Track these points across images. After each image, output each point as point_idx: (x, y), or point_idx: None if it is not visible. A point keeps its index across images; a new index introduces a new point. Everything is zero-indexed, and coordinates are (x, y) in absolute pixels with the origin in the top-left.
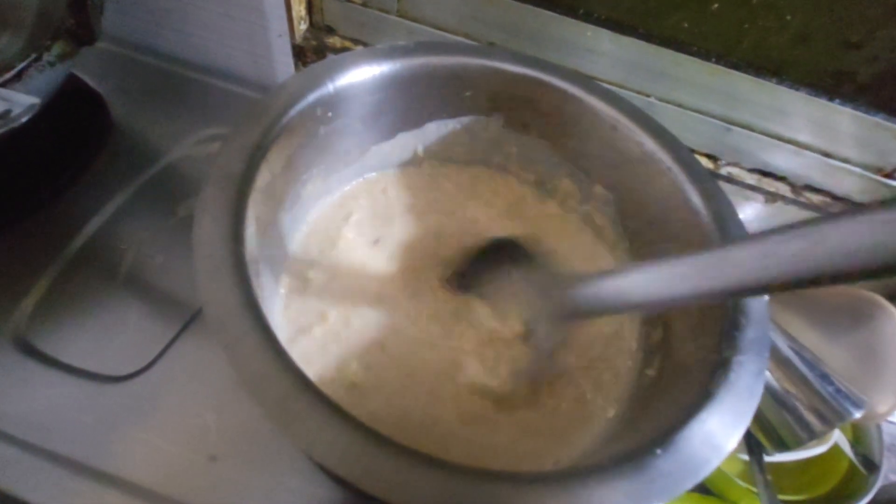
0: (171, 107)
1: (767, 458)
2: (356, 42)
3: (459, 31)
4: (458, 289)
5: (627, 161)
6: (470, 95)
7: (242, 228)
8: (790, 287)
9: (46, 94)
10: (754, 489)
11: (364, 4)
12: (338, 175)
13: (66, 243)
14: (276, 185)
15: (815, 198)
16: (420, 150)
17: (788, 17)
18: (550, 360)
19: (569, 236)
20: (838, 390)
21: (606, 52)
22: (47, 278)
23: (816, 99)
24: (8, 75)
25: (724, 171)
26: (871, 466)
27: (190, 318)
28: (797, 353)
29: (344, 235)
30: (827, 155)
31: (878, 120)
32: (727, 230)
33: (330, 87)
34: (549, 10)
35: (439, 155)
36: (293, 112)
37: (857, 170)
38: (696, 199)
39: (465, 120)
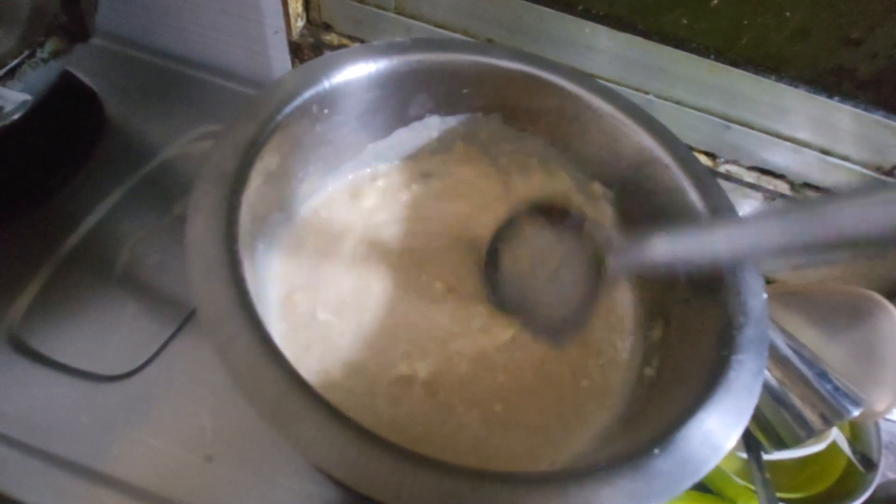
0: (166, 104)
1: (766, 456)
2: (353, 39)
3: (457, 27)
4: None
5: (625, 158)
6: (468, 93)
7: (236, 227)
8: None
9: (40, 91)
10: (752, 487)
11: (361, 1)
12: (334, 173)
13: (61, 242)
14: (270, 182)
15: (815, 195)
16: (417, 147)
17: (788, 14)
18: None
19: None
20: (837, 388)
21: (605, 49)
22: (41, 277)
23: (816, 96)
24: (0, 72)
25: (722, 168)
26: (869, 464)
27: (186, 318)
28: (796, 351)
29: (340, 233)
30: (826, 152)
31: (877, 117)
32: None
33: (326, 84)
34: (548, 6)
35: (437, 152)
36: (288, 109)
37: (857, 167)
38: (694, 196)
39: (463, 117)
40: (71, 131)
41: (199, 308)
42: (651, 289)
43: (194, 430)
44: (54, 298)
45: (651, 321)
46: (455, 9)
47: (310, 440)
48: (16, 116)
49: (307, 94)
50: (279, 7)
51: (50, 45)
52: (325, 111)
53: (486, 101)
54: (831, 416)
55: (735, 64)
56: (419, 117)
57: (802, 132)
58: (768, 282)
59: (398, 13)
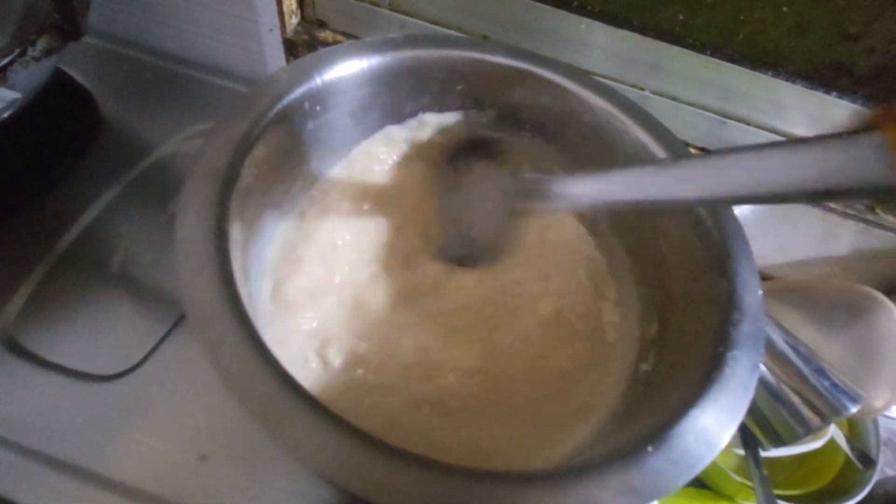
0: (160, 102)
1: (764, 453)
2: (348, 36)
3: (452, 24)
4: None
5: (621, 155)
6: (462, 89)
7: (226, 225)
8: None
9: (31, 90)
10: (750, 484)
11: None
12: (327, 170)
13: (55, 241)
14: (262, 180)
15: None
16: (410, 144)
17: (785, 9)
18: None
19: (560, 228)
20: (835, 385)
21: (600, 46)
22: (35, 276)
23: (813, 92)
24: None
25: None
26: (868, 461)
27: (180, 316)
28: (793, 347)
29: (333, 231)
30: None
31: (875, 113)
32: (721, 223)
33: (318, 81)
34: (543, 2)
35: (431, 149)
36: (280, 106)
37: None
38: None
39: (458, 114)
40: (65, 130)
41: (188, 307)
42: (647, 285)
43: (189, 430)
44: (48, 298)
45: (647, 317)
46: (449, 5)
47: (300, 440)
48: (5, 115)
49: (299, 91)
50: (274, 5)
51: (42, 44)
52: (318, 108)
53: (481, 98)
54: (829, 412)
55: (731, 59)
56: (413, 114)
57: (799, 128)
58: (767, 278)
59: (392, 9)
